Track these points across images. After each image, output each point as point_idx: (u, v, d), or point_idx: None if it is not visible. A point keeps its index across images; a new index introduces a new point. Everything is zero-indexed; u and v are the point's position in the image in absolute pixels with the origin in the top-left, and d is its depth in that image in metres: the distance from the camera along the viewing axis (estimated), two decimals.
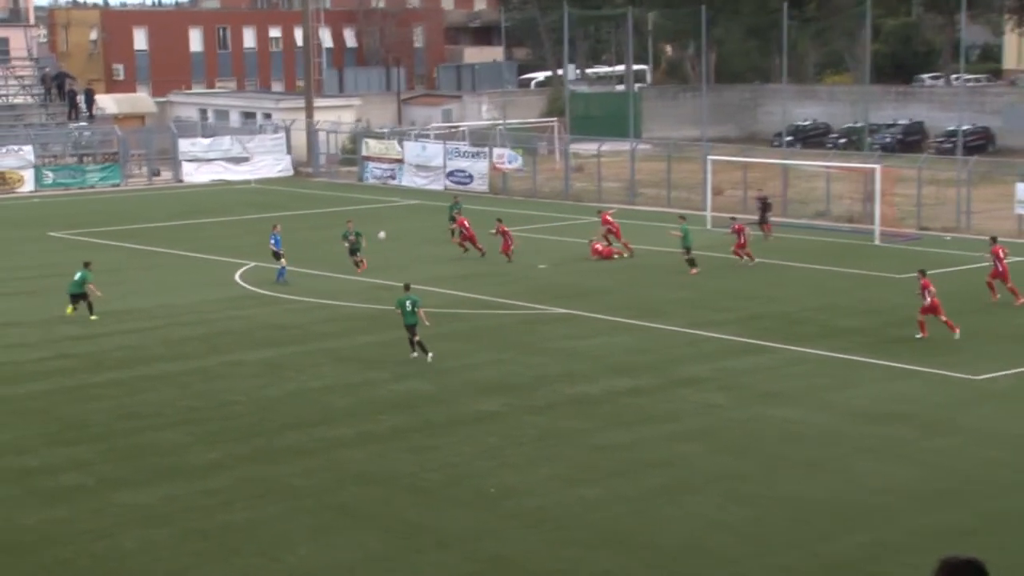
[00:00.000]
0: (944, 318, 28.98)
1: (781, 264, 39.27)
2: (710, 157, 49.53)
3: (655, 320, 31.42)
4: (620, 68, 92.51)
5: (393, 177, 61.99)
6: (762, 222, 43.88)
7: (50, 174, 61.05)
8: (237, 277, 37.81)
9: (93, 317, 32.09)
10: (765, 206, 44.61)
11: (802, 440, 22.20)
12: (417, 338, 27.78)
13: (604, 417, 23.59)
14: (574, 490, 19.84)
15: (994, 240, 34.00)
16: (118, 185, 61.96)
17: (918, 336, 29.07)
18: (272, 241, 37.59)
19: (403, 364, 27.52)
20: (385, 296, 34.82)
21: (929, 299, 28.93)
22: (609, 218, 41.58)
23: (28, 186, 60.14)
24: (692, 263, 37.00)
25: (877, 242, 42.68)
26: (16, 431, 23.04)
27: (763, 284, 36.18)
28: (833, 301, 33.67)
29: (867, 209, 45.69)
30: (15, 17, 73.57)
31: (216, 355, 28.56)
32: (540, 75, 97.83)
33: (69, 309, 32.49)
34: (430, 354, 27.59)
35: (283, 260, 37.16)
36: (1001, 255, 32.88)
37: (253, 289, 36.04)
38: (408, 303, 27.87)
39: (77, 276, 32.66)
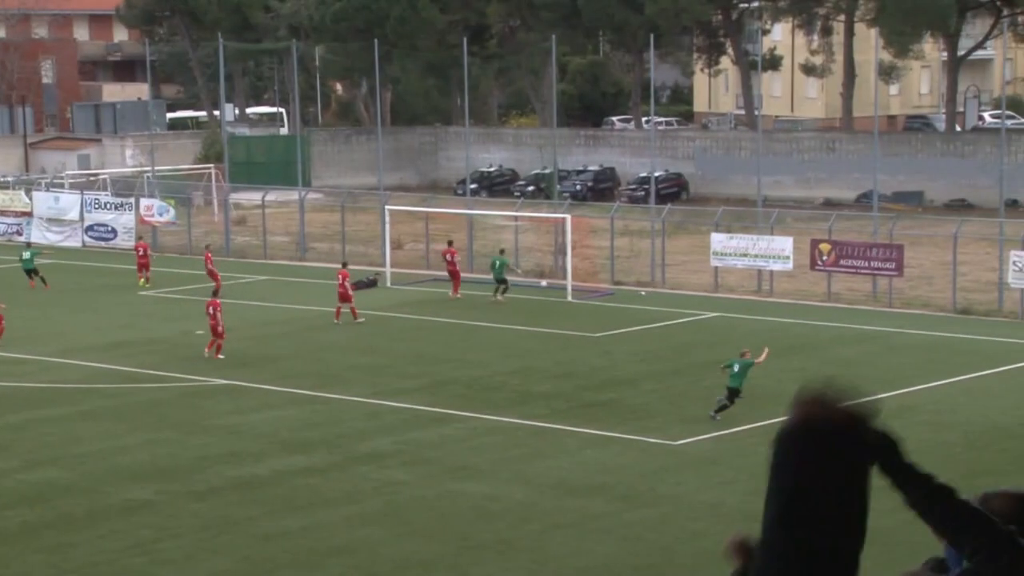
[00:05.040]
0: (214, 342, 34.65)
1: (470, 324, 40.06)
2: (388, 207, 50.10)
3: (332, 390, 31.42)
4: (271, 109, 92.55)
5: (20, 233, 59.56)
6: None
7: None
8: None
9: None
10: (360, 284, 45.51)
11: (496, 518, 22.65)
12: None
13: (275, 501, 23.37)
14: None
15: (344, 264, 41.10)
16: None
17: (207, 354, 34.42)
18: None
19: (35, 449, 26.40)
20: (13, 371, 33.36)
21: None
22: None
23: None
24: (501, 290, 42.66)
25: (570, 298, 44.15)
26: None
27: (452, 347, 36.80)
28: (526, 364, 34.59)
29: (559, 263, 47.22)
30: None
31: None
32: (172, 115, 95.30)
33: None
34: None
35: None
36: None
37: None
38: None
39: None
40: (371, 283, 46.12)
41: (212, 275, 45.20)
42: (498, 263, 43.46)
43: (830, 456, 2.88)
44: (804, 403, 2.96)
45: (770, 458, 2.93)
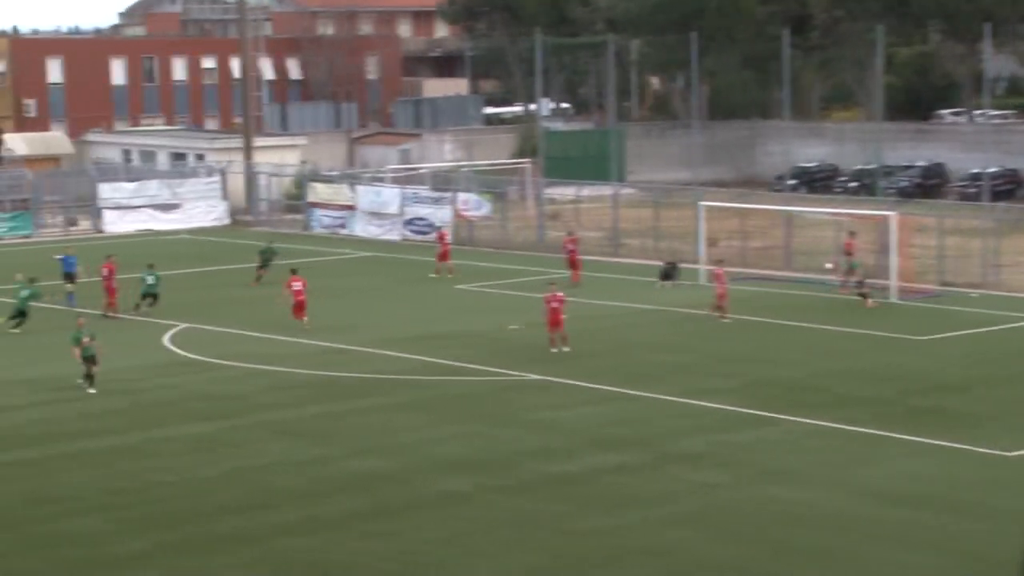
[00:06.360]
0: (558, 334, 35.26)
1: (786, 324, 39.50)
2: (703, 203, 49.86)
3: (644, 388, 31.51)
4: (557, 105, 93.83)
5: (344, 226, 62.12)
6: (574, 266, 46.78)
7: None
8: (166, 340, 37.76)
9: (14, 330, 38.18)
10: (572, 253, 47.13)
11: (812, 524, 22.27)
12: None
13: (586, 498, 23.61)
14: None
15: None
16: (29, 236, 61.77)
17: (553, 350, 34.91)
18: (66, 263, 43.20)
19: (356, 438, 27.49)
20: (335, 361, 34.83)
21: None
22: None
23: None
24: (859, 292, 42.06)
25: (894, 299, 43.02)
26: None
27: (767, 347, 36.38)
28: (845, 366, 33.88)
29: (882, 262, 46.05)
30: None
31: (142, 430, 28.42)
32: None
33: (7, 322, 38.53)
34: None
35: (71, 286, 42.26)
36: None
37: (184, 354, 35.97)
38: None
39: (24, 292, 39.15)
40: (671, 268, 46.07)
41: (573, 264, 46.67)
42: (853, 266, 43.35)
43: None
44: None
45: None
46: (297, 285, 39.24)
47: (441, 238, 50.82)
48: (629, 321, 40.33)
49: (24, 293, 39.23)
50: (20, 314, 38.95)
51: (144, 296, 41.14)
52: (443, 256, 49.37)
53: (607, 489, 24.15)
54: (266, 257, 46.57)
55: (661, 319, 40.57)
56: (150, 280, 41.30)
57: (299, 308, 38.82)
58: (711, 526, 22.25)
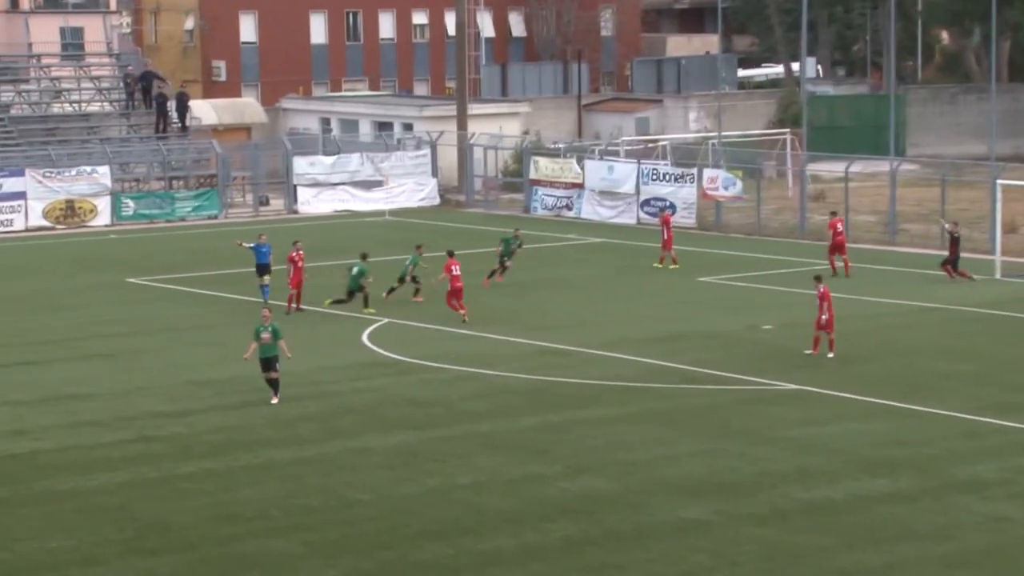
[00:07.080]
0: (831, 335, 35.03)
1: None
2: (1001, 181, 48.73)
3: (921, 401, 31.02)
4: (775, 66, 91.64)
5: (569, 207, 62.45)
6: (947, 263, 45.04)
7: (131, 203, 63.14)
8: (364, 338, 38.56)
9: (369, 310, 40.64)
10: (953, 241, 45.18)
11: None
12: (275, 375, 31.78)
13: (852, 531, 23.35)
14: None
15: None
16: (216, 217, 63.70)
17: (807, 352, 34.96)
18: (258, 252, 42.85)
19: (578, 454, 27.65)
20: (555, 363, 35.06)
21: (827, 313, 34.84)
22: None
23: (103, 218, 62.28)
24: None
25: None
26: (83, 535, 23.79)
27: None
28: None
29: None
30: (92, 2, 76.55)
31: (336, 439, 29.08)
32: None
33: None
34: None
35: (268, 277, 42.58)
36: None
37: (385, 353, 36.67)
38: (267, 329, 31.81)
39: (355, 270, 41.15)
40: (952, 238, 44.82)
41: (839, 247, 46.16)
42: None
43: None
44: None
45: None
46: (456, 269, 39.62)
47: (665, 222, 49.89)
48: (906, 321, 39.66)
49: (355, 270, 41.08)
50: (351, 294, 41.01)
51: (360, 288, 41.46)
52: (667, 244, 48.79)
53: (877, 520, 23.83)
54: (509, 248, 46.04)
55: (945, 319, 39.75)
56: (354, 271, 41.13)
57: (456, 295, 39.32)
58: (1004, 567, 21.81)
